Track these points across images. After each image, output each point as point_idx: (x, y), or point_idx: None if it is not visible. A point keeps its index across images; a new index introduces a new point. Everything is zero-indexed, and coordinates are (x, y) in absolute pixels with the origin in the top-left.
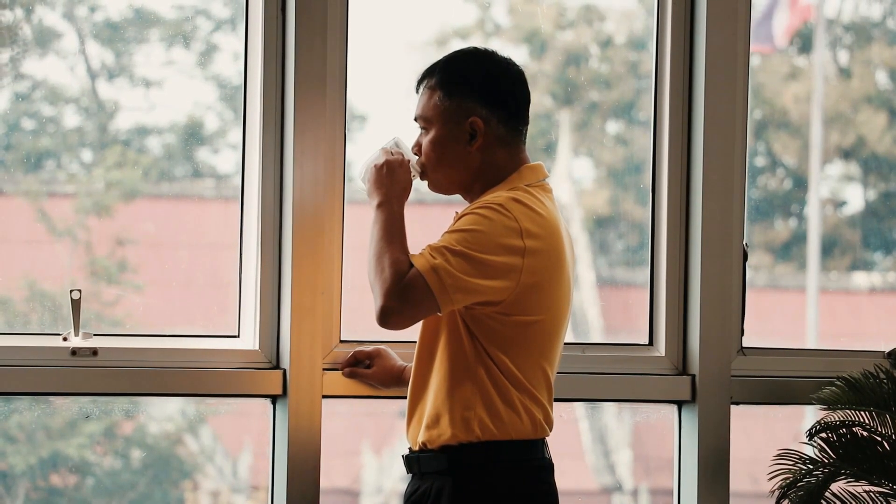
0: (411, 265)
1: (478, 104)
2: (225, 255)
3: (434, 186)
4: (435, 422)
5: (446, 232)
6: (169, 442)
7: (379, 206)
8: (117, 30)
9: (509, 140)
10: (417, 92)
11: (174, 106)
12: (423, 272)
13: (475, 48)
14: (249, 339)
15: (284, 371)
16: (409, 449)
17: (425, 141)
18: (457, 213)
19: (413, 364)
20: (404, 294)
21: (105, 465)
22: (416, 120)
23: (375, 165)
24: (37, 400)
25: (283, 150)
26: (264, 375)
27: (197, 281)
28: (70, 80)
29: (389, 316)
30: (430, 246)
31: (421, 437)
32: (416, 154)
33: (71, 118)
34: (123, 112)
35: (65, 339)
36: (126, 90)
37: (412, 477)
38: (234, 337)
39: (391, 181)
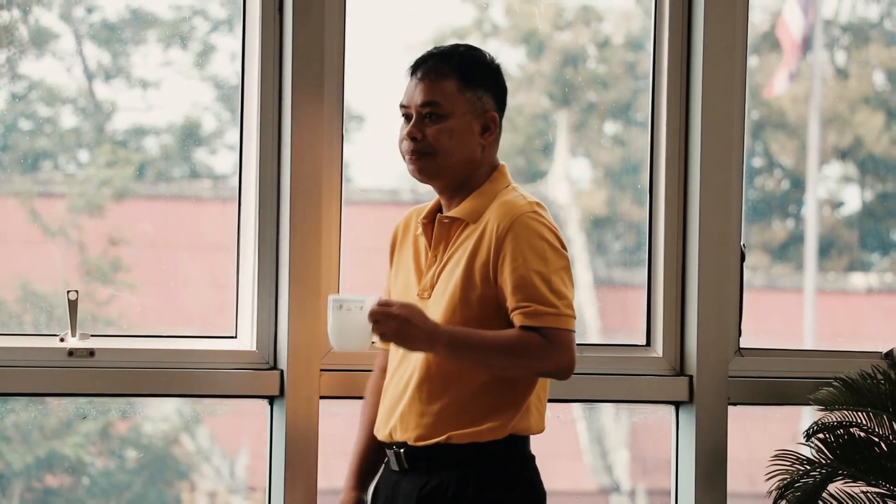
0: (535, 332)
1: (492, 99)
2: (222, 256)
3: (428, 174)
4: (468, 419)
5: (531, 270)
6: (166, 442)
7: (444, 345)
8: (114, 30)
9: (499, 137)
10: (417, 75)
11: (171, 106)
12: (563, 326)
13: (470, 45)
14: (247, 340)
15: (282, 372)
16: (414, 443)
17: (438, 128)
18: (444, 217)
19: (432, 358)
20: (565, 351)
21: (101, 466)
22: (423, 105)
23: (395, 330)
24: (33, 400)
25: (280, 150)
26: (262, 376)
27: (194, 282)
28: (67, 81)
29: (570, 372)
30: (540, 304)
31: (444, 434)
32: (414, 139)
33: (68, 119)
34: (120, 113)
35: (62, 340)
36: (123, 91)
37: (411, 472)
38: (232, 338)
39: (420, 326)
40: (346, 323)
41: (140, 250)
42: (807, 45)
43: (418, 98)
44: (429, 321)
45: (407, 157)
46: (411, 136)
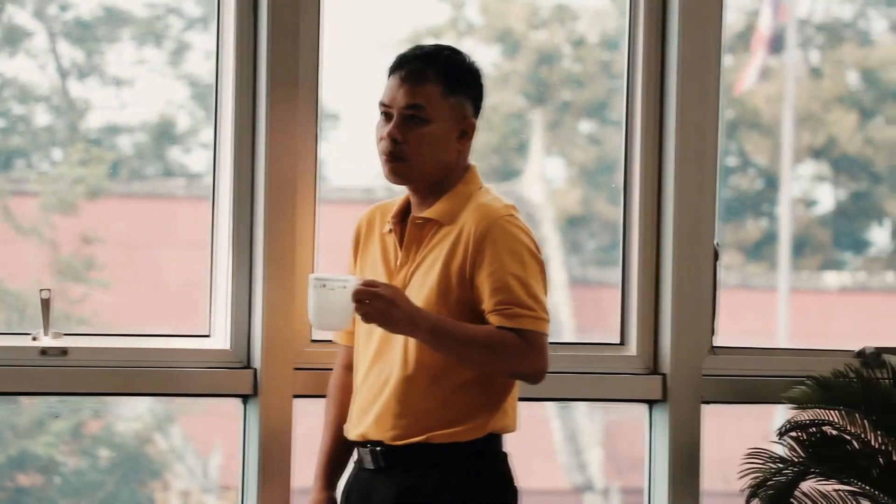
0: (513, 332)
1: (471, 104)
2: (196, 255)
3: (402, 177)
4: (448, 419)
5: (508, 274)
6: (139, 441)
7: (426, 331)
8: (88, 28)
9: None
10: (401, 75)
11: (145, 105)
12: (540, 329)
13: (453, 46)
14: (221, 339)
15: (255, 371)
16: (391, 442)
17: (419, 133)
18: (417, 217)
19: (413, 357)
20: (541, 353)
21: (74, 465)
22: (407, 108)
23: (379, 310)
24: (4, 399)
25: (255, 149)
26: (235, 375)
27: (168, 280)
28: (40, 79)
29: (543, 375)
30: (518, 306)
31: (423, 434)
32: (394, 140)
33: (41, 117)
34: (94, 111)
35: (34, 339)
36: (97, 89)
37: (388, 470)
38: (206, 336)
39: (403, 308)
40: (328, 302)
41: (114, 249)
42: (776, 43)
43: (402, 99)
44: (413, 305)
45: (383, 157)
46: (392, 137)
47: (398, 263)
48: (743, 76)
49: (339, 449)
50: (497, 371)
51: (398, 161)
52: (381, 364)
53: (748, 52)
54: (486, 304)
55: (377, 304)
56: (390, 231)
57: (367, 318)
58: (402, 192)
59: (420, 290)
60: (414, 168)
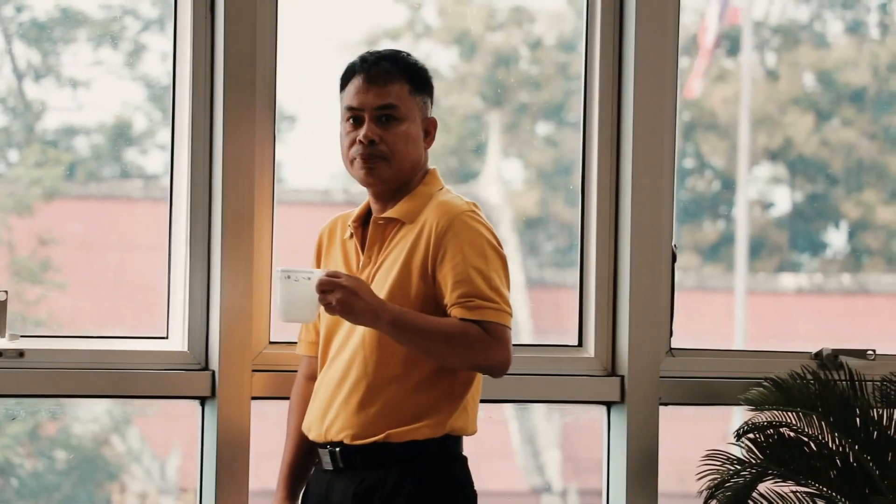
0: (475, 324)
1: (430, 104)
2: (153, 256)
3: (380, 178)
4: (406, 418)
5: (470, 266)
6: (96, 443)
7: (389, 323)
8: (44, 29)
9: None
10: (367, 78)
11: (102, 106)
12: (503, 322)
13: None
14: (178, 341)
15: (213, 372)
16: (351, 442)
17: (395, 132)
18: (380, 218)
19: (372, 355)
20: (503, 345)
21: (31, 467)
22: (380, 108)
23: (342, 300)
24: None
25: (212, 150)
26: (193, 377)
27: (125, 282)
28: None
29: (506, 368)
30: (480, 298)
31: (382, 433)
32: (371, 142)
33: None
34: (51, 112)
35: None
36: (53, 90)
37: (347, 470)
38: (163, 338)
39: (366, 299)
40: (294, 294)
41: (70, 250)
42: (718, 45)
43: (374, 100)
44: (376, 297)
45: (358, 160)
46: (369, 140)
47: (360, 265)
48: (691, 80)
49: (300, 459)
50: (460, 363)
51: (377, 162)
52: (340, 363)
53: (700, 55)
54: (449, 297)
55: (340, 295)
56: (351, 236)
57: (331, 310)
58: (361, 193)
59: (382, 286)
60: (394, 167)
